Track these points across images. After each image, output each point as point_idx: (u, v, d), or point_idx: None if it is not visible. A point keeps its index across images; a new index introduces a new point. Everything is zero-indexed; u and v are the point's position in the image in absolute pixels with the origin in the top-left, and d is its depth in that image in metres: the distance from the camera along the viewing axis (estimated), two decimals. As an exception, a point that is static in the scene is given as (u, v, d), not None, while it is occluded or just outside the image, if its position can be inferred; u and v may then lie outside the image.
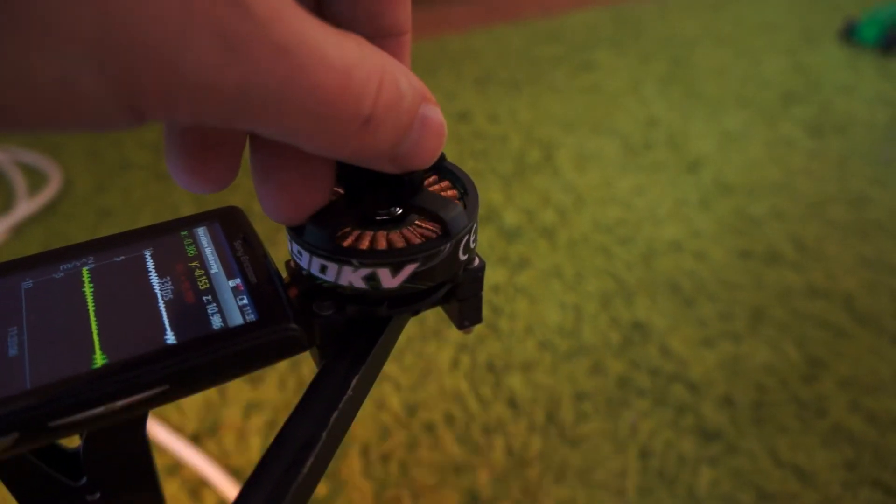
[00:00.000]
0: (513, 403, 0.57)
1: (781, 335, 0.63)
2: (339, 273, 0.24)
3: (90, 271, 0.25)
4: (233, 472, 0.53)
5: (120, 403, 0.22)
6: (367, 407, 0.58)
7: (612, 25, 1.19)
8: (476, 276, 0.28)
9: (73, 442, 0.26)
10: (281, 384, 0.59)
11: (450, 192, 0.27)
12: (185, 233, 0.27)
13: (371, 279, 0.24)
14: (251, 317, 0.23)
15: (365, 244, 0.25)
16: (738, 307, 0.66)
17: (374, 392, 0.59)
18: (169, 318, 0.23)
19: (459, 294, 0.28)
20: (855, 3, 1.22)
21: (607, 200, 0.79)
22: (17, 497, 0.24)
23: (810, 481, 0.52)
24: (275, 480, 0.22)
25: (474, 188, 0.27)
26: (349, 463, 0.54)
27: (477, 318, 0.30)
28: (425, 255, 0.25)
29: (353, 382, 0.25)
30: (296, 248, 0.25)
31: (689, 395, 0.58)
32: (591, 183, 0.82)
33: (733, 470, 0.53)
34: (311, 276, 0.25)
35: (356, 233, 0.25)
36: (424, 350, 0.62)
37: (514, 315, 0.65)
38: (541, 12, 1.25)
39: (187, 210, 0.79)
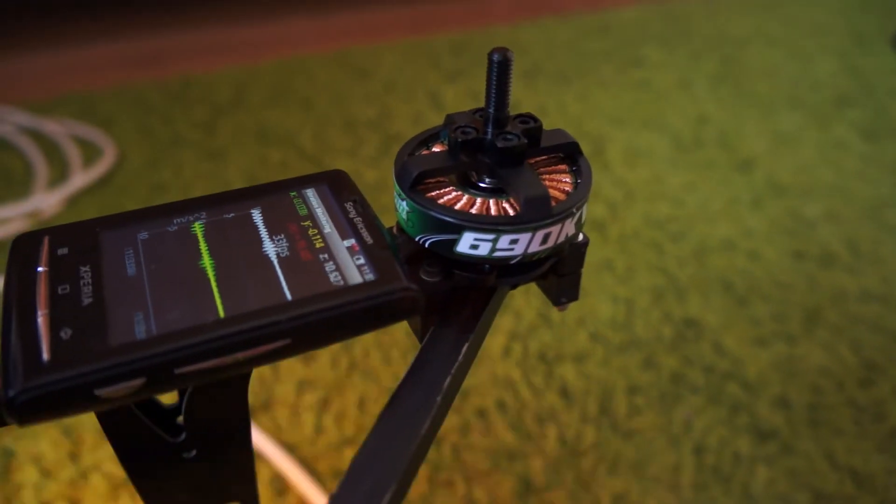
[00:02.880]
0: (565, 393, 0.57)
1: (836, 338, 0.62)
2: (481, 239, 0.24)
3: (203, 225, 0.25)
4: (287, 446, 0.54)
5: (243, 355, 0.22)
6: (419, 390, 0.58)
7: (660, 22, 1.18)
8: (580, 252, 0.28)
9: (171, 399, 0.26)
10: (334, 363, 0.59)
11: (559, 174, 0.27)
12: (294, 193, 0.27)
13: (511, 245, 0.24)
14: (370, 276, 0.23)
15: (482, 209, 0.25)
16: (791, 308, 0.65)
17: (426, 376, 0.59)
18: (286, 274, 0.23)
19: (561, 269, 0.28)
20: (911, 8, 1.20)
21: (658, 196, 0.78)
22: (116, 449, 0.25)
23: (867, 485, 0.51)
24: (392, 444, 0.22)
25: (589, 169, 0.27)
26: (402, 444, 0.54)
27: (574, 295, 0.30)
28: (555, 225, 0.24)
29: (464, 350, 0.25)
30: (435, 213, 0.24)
31: (744, 393, 0.57)
32: (641, 178, 0.81)
33: (789, 470, 0.52)
34: (442, 243, 0.25)
35: (466, 197, 0.25)
36: (476, 337, 0.62)
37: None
38: (588, 6, 1.24)
39: (238, 187, 0.80)
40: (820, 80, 1.00)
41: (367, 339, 0.61)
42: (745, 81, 1.00)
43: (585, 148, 0.86)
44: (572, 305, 0.65)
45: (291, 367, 0.59)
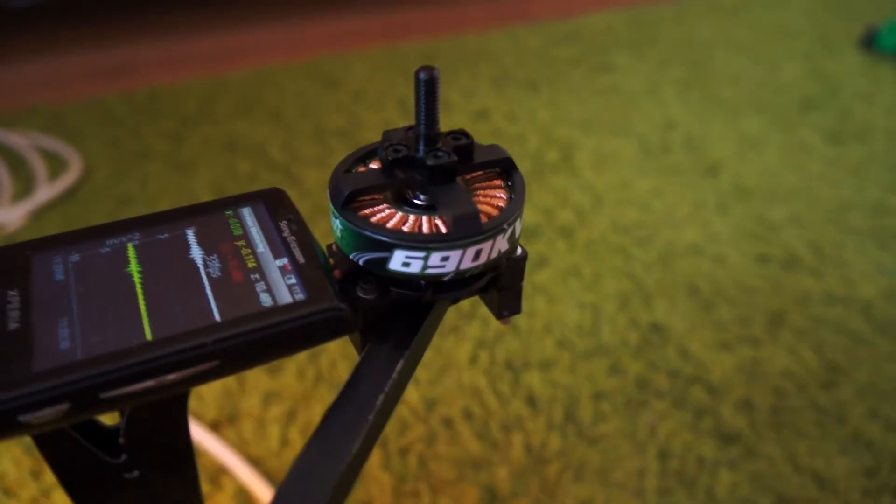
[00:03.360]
0: (531, 401, 0.57)
1: (800, 341, 0.63)
2: (408, 257, 0.24)
3: (135, 247, 0.25)
4: (252, 460, 0.53)
5: (171, 377, 0.22)
6: (385, 401, 0.58)
7: (628, 28, 1.19)
8: (518, 266, 0.28)
9: (112, 419, 0.26)
10: (300, 375, 0.59)
11: (493, 189, 0.27)
12: (230, 212, 0.27)
13: (442, 262, 0.24)
14: (300, 296, 0.23)
15: (415, 227, 0.25)
16: (756, 311, 0.66)
17: (393, 386, 0.59)
18: (216, 294, 0.23)
19: (501, 283, 0.28)
20: (875, 11, 1.22)
21: (625, 202, 0.79)
22: (56, 472, 0.24)
23: (829, 487, 0.52)
24: (323, 462, 0.22)
25: (523, 185, 0.27)
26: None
27: (516, 309, 0.30)
28: (487, 240, 0.24)
29: (399, 367, 0.25)
30: (363, 231, 0.24)
31: (708, 397, 0.58)
32: (609, 184, 0.82)
33: (752, 474, 0.53)
34: (374, 261, 0.25)
35: (399, 215, 0.25)
36: (443, 345, 0.62)
37: (533, 313, 0.65)
38: (557, 13, 1.25)
39: (207, 199, 0.79)
40: (785, 83, 1.01)
41: (334, 349, 0.61)
42: (712, 86, 1.01)
43: (554, 154, 0.86)
44: (541, 312, 0.65)
45: (257, 379, 0.59)
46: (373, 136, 0.89)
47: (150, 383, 0.21)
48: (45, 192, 0.80)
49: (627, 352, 0.61)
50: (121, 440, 0.25)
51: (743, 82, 1.01)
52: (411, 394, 0.58)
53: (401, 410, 0.57)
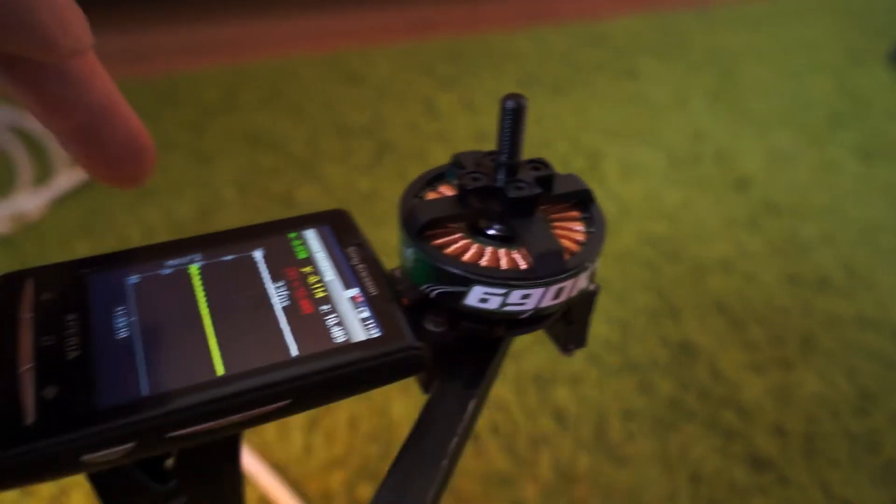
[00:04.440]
0: (559, 417, 0.56)
1: (831, 365, 0.62)
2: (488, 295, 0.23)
3: (200, 269, 0.24)
4: (274, 466, 0.52)
5: (239, 417, 0.20)
6: (411, 410, 0.57)
7: (655, 34, 1.17)
8: (589, 301, 0.27)
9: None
10: (324, 381, 0.58)
11: (570, 221, 0.26)
12: (294, 234, 0.26)
13: (522, 300, 0.23)
14: (375, 332, 0.22)
15: (492, 261, 0.24)
16: (787, 333, 0.64)
17: (419, 396, 0.58)
18: (291, 327, 0.22)
19: (570, 317, 0.27)
20: (906, 28, 1.21)
21: (654, 214, 0.78)
22: (98, 493, 0.23)
23: (862, 518, 0.51)
24: None
25: (603, 225, 0.26)
26: (393, 467, 0.53)
27: (582, 342, 0.29)
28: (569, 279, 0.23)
29: (470, 408, 0.24)
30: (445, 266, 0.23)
31: (739, 421, 0.57)
32: (636, 194, 0.80)
33: (784, 501, 0.52)
34: (448, 294, 0.23)
35: (475, 247, 0.24)
36: (469, 356, 0.61)
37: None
38: (583, 14, 1.23)
39: (229, 193, 0.78)
40: (814, 98, 1.00)
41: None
42: (741, 98, 0.99)
43: (581, 161, 0.85)
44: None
45: (280, 384, 0.58)
46: (396, 136, 0.88)
47: (218, 422, 0.20)
48: (65, 180, 0.78)
49: (657, 370, 0.60)
50: (169, 465, 0.24)
51: (771, 95, 1.00)
52: (437, 404, 0.57)
53: (426, 421, 0.56)
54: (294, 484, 0.51)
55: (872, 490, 0.53)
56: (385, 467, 0.53)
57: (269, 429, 0.55)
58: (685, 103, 0.97)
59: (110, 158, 0.23)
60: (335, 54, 1.06)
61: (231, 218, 0.75)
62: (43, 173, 0.80)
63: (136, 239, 0.72)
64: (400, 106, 0.94)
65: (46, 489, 0.50)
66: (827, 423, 0.57)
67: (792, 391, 0.59)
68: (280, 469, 0.52)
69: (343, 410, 0.56)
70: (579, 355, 0.61)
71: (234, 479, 0.25)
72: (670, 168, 0.85)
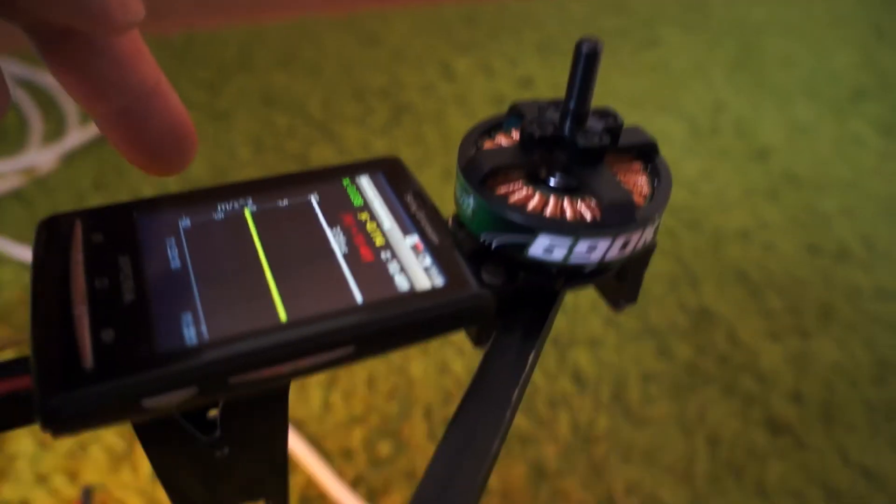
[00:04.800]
0: (578, 379, 0.56)
1: (850, 335, 0.62)
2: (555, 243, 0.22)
3: (254, 215, 0.23)
4: (293, 423, 0.53)
5: (304, 363, 0.20)
6: (429, 370, 0.57)
7: (678, 2, 1.16)
8: (647, 255, 0.27)
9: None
10: (343, 338, 0.58)
11: (633, 174, 0.26)
12: (347, 180, 0.25)
13: (588, 251, 0.22)
14: (438, 280, 0.21)
15: (556, 211, 0.23)
16: (806, 303, 0.64)
17: (437, 355, 0.58)
18: (353, 273, 0.22)
19: (625, 273, 0.27)
20: (931, 3, 1.19)
21: (674, 182, 0.77)
22: (142, 441, 0.23)
23: (879, 484, 0.51)
24: (463, 464, 0.21)
25: (669, 178, 0.25)
26: (412, 424, 0.53)
27: (633, 297, 0.28)
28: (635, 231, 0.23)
29: (530, 360, 0.24)
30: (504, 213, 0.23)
31: (758, 386, 0.57)
32: (656, 163, 0.80)
33: (801, 465, 0.52)
34: (511, 245, 0.23)
35: (538, 196, 0.24)
36: (488, 317, 0.60)
37: (580, 290, 0.63)
38: (603, -17, 1.21)
39: (244, 152, 0.78)
40: (837, 71, 0.99)
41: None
42: (763, 69, 0.98)
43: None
44: (587, 289, 0.64)
45: (299, 340, 0.58)
46: (413, 98, 0.87)
47: (282, 368, 0.20)
48: (77, 135, 0.78)
49: (676, 335, 0.60)
50: (214, 416, 0.23)
51: (794, 68, 0.99)
52: (456, 364, 0.57)
53: (444, 381, 0.56)
54: (313, 440, 0.52)
55: (891, 456, 0.53)
56: (404, 426, 0.54)
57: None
58: (707, 73, 0.96)
59: (151, 144, 0.22)
60: (352, 15, 1.05)
61: (246, 177, 0.74)
62: (55, 128, 0.79)
63: (149, 195, 0.71)
64: (417, 69, 0.93)
65: (64, 444, 0.50)
66: (845, 391, 0.57)
67: (810, 359, 0.59)
68: (299, 426, 0.52)
69: (361, 369, 0.56)
70: (598, 319, 0.61)
71: (279, 431, 0.25)
72: (691, 138, 0.84)
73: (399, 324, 0.20)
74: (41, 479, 0.48)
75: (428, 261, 0.22)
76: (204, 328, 0.19)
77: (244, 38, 0.97)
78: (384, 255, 0.22)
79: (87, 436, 0.51)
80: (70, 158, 0.76)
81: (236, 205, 0.24)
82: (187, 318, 0.19)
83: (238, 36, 0.97)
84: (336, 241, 0.22)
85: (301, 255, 0.22)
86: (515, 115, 0.26)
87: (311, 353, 0.20)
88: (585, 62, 0.23)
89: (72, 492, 0.48)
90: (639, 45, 1.02)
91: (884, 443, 0.54)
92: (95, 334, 0.18)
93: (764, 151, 0.83)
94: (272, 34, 0.99)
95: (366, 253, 0.22)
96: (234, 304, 0.20)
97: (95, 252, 0.21)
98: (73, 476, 0.49)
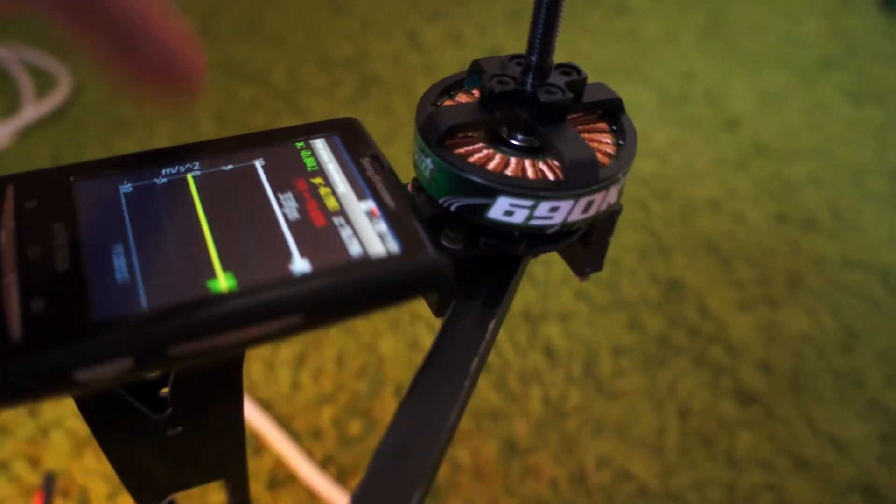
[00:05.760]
0: (549, 353, 0.56)
1: (818, 304, 0.62)
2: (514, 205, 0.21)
3: (196, 179, 0.22)
4: (262, 403, 0.52)
5: (247, 332, 0.19)
6: (400, 346, 0.56)
7: (647, -30, 1.14)
8: (612, 220, 0.26)
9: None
10: (311, 317, 0.57)
11: (599, 133, 0.25)
12: (301, 143, 0.24)
13: (550, 213, 0.22)
14: (393, 246, 0.21)
15: (517, 171, 0.22)
16: (774, 272, 0.65)
17: (408, 331, 0.57)
18: (297, 239, 0.21)
19: (590, 238, 0.26)
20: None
21: (644, 153, 0.76)
22: (90, 424, 0.22)
23: (846, 452, 0.52)
24: (419, 438, 0.20)
25: (634, 137, 0.24)
26: (383, 402, 0.52)
27: (599, 265, 0.28)
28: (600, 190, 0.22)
29: (490, 328, 0.23)
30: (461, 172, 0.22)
31: (728, 357, 0.57)
32: (627, 133, 0.79)
33: (771, 435, 0.52)
34: (470, 207, 0.22)
35: (499, 156, 0.23)
36: (459, 292, 0.60)
37: (550, 263, 0.63)
38: (573, -51, 1.19)
39: (207, 126, 0.75)
40: (806, 39, 0.98)
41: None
42: (732, 36, 0.98)
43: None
44: (558, 262, 0.63)
45: (266, 320, 0.57)
46: (381, 68, 0.85)
47: (225, 338, 0.19)
48: (32, 111, 0.75)
49: (646, 307, 0.60)
50: (165, 394, 0.22)
51: (764, 35, 0.98)
52: (426, 340, 0.56)
53: (415, 357, 0.55)
54: (282, 421, 0.51)
55: (857, 424, 0.53)
56: (375, 404, 0.53)
57: (256, 366, 0.54)
58: (676, 41, 0.95)
59: (149, 58, 0.20)
60: (316, -17, 1.01)
61: (211, 151, 0.72)
62: (9, 104, 0.76)
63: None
64: (384, 38, 0.91)
65: (24, 429, 0.49)
66: (813, 360, 0.58)
67: (778, 329, 0.60)
68: (268, 406, 0.52)
69: (330, 347, 0.55)
70: (569, 292, 0.61)
71: (234, 406, 0.24)
72: (661, 107, 0.83)
73: (350, 291, 0.20)
74: (1, 466, 0.47)
75: (383, 226, 0.21)
76: (142, 296, 0.18)
77: (204, 6, 0.93)
78: (337, 220, 0.21)
79: (48, 420, 0.49)
80: (25, 135, 0.73)
81: (181, 168, 0.22)
82: (124, 286, 0.18)
83: (198, 3, 0.94)
84: (285, 207, 0.21)
85: (244, 220, 0.21)
86: (477, 73, 0.24)
87: (255, 321, 0.19)
88: (548, 9, 0.21)
89: (34, 478, 0.47)
90: (609, 12, 1.01)
91: (851, 412, 0.54)
92: (25, 304, 0.17)
93: (733, 120, 0.82)
94: (234, 2, 0.95)
95: (317, 218, 0.21)
96: (173, 272, 0.19)
97: (28, 218, 0.20)
98: (34, 462, 0.47)
